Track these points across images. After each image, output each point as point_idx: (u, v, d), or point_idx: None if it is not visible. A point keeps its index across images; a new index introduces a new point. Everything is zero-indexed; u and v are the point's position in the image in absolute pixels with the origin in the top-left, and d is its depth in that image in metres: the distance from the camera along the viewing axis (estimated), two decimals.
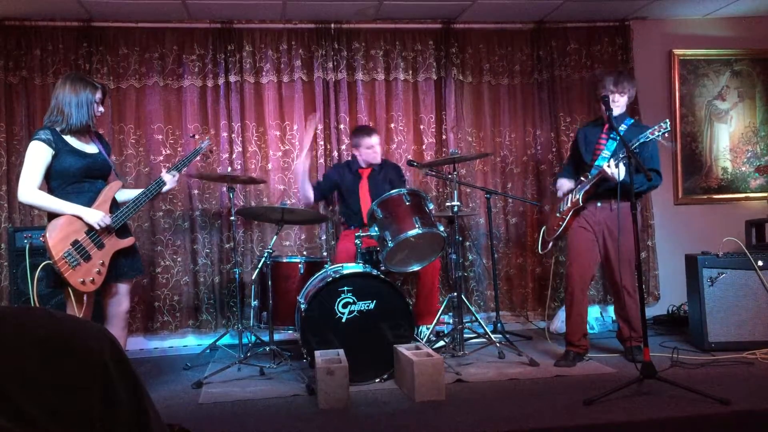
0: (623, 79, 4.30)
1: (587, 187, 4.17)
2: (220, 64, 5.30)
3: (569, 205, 4.30)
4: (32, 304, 4.39)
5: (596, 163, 4.20)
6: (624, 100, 4.28)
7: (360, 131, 4.97)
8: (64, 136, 3.40)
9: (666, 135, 3.77)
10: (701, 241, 4.99)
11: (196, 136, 4.61)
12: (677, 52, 5.86)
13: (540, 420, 3.11)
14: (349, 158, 5.22)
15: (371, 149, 4.86)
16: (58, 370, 0.74)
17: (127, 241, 3.53)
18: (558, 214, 4.40)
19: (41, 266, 3.30)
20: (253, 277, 4.59)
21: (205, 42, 5.32)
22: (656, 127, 3.89)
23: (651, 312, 5.44)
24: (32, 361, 0.72)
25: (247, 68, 5.35)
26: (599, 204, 4.23)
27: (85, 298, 3.35)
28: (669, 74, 5.88)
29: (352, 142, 5.00)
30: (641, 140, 3.84)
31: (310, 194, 4.92)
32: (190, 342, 5.32)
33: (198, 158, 4.58)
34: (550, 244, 4.49)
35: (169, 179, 3.74)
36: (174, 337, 5.29)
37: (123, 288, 3.58)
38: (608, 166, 3.98)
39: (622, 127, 4.21)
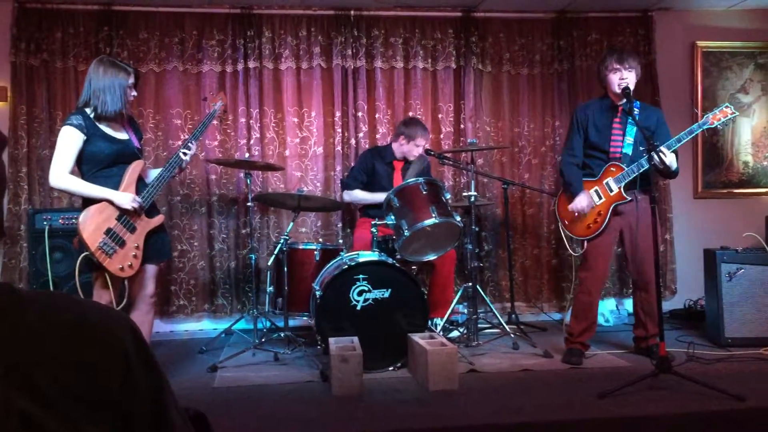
0: (627, 54, 3.98)
1: (630, 177, 3.89)
2: (240, 49, 5.29)
3: (607, 198, 3.97)
4: (50, 286, 4.45)
5: (623, 150, 3.96)
6: (632, 77, 3.92)
7: (419, 125, 4.78)
8: (96, 122, 3.39)
9: (733, 120, 3.60)
10: (720, 236, 4.94)
11: (208, 99, 4.32)
12: (700, 44, 5.78)
13: (553, 412, 3.11)
14: (367, 146, 5.21)
15: (419, 147, 4.75)
16: (81, 354, 0.74)
17: (157, 219, 3.53)
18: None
19: (80, 258, 3.30)
20: (269, 263, 4.60)
21: (224, 27, 5.32)
22: (717, 113, 3.76)
23: (667, 306, 5.40)
24: (56, 345, 0.73)
25: (266, 54, 5.33)
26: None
27: (120, 283, 3.37)
28: (692, 66, 5.80)
29: (405, 132, 4.77)
30: (703, 127, 3.81)
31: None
32: (205, 326, 5.35)
33: (214, 122, 4.36)
34: (586, 243, 4.06)
35: (187, 154, 3.64)
36: (190, 321, 5.32)
37: (150, 270, 3.54)
38: (665, 155, 3.67)
39: (635, 111, 3.92)
